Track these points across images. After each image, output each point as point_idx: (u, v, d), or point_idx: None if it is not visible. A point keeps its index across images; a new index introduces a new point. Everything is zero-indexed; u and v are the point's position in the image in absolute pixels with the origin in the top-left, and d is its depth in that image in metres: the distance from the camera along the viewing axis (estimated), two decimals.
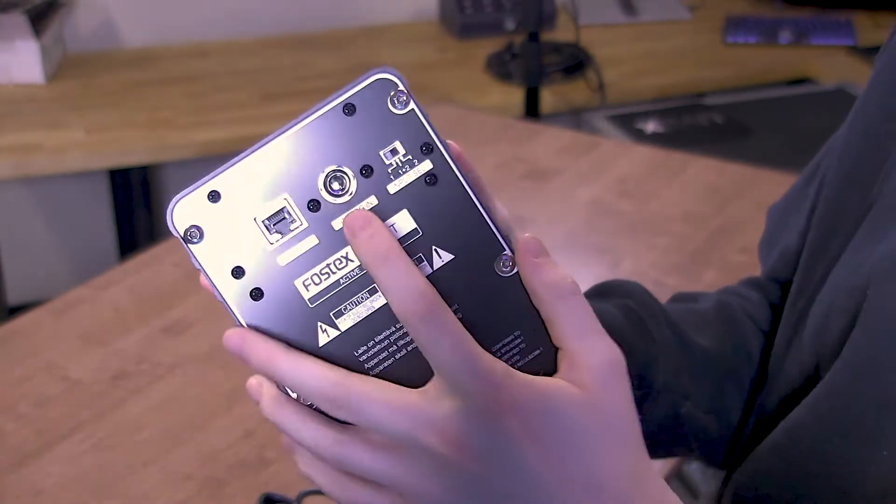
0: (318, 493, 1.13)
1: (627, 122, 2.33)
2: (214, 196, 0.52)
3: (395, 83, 0.53)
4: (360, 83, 0.53)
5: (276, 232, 0.53)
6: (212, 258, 0.53)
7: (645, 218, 1.71)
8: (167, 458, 1.23)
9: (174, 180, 2.85)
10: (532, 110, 2.42)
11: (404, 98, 0.52)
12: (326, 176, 0.53)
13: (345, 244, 0.52)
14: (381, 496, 0.51)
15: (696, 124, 2.34)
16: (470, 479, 0.49)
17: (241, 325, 0.54)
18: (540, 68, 2.40)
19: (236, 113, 2.39)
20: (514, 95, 2.45)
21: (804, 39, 2.76)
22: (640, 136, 2.25)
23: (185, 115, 2.38)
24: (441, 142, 0.53)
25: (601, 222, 1.69)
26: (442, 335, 0.48)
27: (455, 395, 0.48)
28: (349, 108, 0.53)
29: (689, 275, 0.93)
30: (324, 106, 0.53)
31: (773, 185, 1.82)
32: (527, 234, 0.53)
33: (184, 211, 0.52)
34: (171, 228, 0.52)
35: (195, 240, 0.53)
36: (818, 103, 2.45)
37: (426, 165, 0.53)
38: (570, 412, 0.50)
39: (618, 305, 0.76)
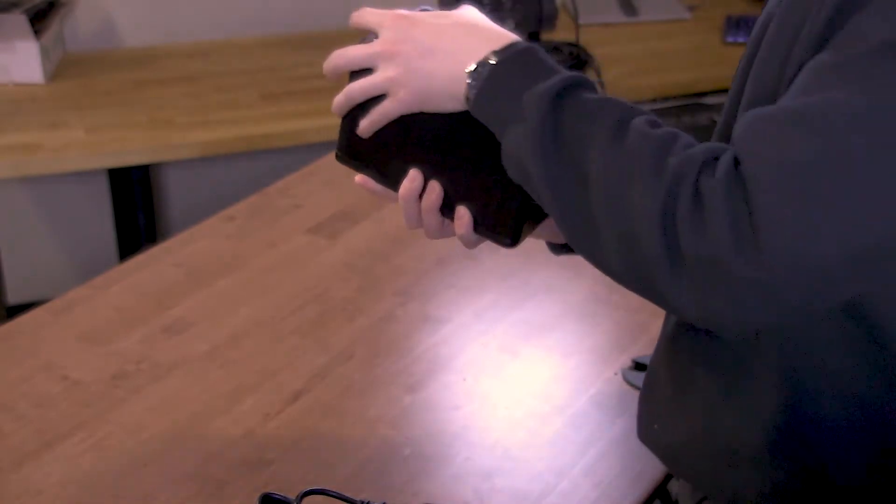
0: (318, 492, 1.13)
1: None
2: None
3: None
4: None
5: None
6: None
7: None
8: (167, 458, 1.23)
9: (174, 180, 2.84)
10: None
11: None
12: None
13: None
14: (377, 77, 0.95)
15: (696, 124, 2.34)
16: (405, 58, 0.93)
17: None
18: None
19: (236, 113, 2.39)
20: None
21: None
22: None
23: (185, 115, 2.38)
24: None
25: None
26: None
27: (383, 31, 0.95)
28: None
29: None
30: None
31: None
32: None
33: None
34: None
35: None
36: None
37: None
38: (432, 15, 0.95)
39: None
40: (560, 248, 1.06)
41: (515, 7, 2.75)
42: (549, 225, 0.99)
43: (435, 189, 0.96)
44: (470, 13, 0.96)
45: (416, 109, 0.95)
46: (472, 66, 0.89)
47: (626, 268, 0.81)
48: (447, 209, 0.96)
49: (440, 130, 0.95)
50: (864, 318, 0.87)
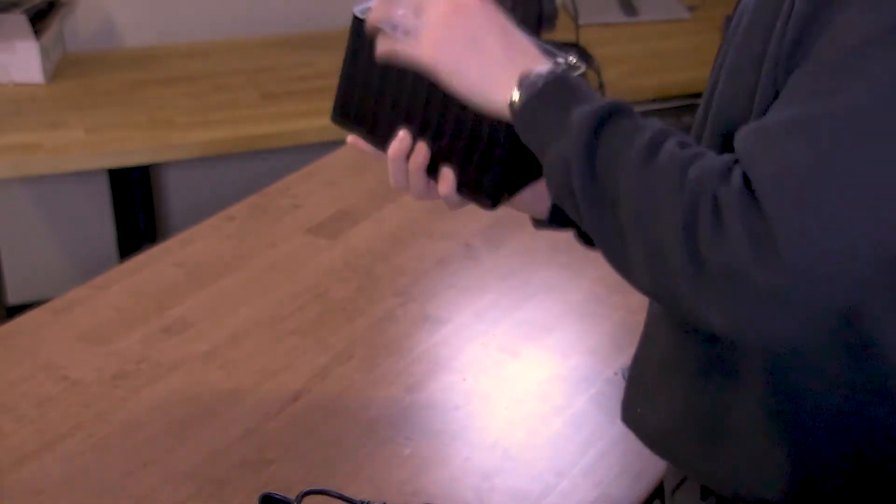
0: (318, 492, 1.13)
1: None
2: None
3: None
4: None
5: None
6: None
7: None
8: (167, 458, 1.23)
9: (174, 180, 2.84)
10: None
11: None
12: None
13: None
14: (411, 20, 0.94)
15: None
16: (447, 27, 0.94)
17: None
18: None
19: (236, 113, 2.39)
20: None
21: None
22: None
23: (185, 115, 2.38)
24: None
25: None
26: None
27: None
28: None
29: None
30: None
31: None
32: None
33: None
34: None
35: None
36: None
37: None
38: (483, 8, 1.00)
39: None
40: (541, 224, 1.10)
41: (515, 7, 2.74)
42: (528, 198, 1.04)
43: (422, 150, 1.00)
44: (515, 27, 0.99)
45: (426, 73, 0.94)
46: (527, 75, 0.91)
47: (655, 283, 0.83)
48: (433, 171, 1.01)
49: (431, 94, 0.98)
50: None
